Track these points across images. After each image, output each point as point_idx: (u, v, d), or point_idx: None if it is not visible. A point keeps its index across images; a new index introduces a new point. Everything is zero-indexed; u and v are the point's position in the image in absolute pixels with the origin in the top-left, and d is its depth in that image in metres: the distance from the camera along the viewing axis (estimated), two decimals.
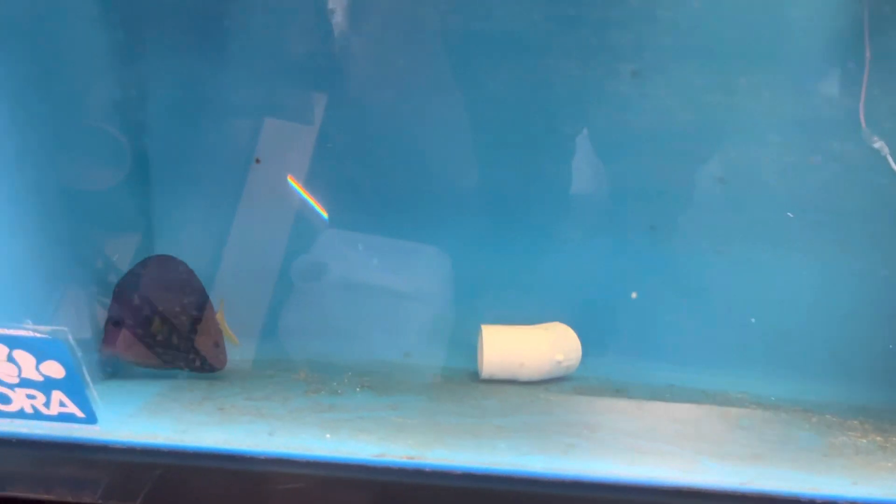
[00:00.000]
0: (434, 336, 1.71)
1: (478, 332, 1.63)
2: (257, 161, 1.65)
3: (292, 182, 1.66)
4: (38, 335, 0.96)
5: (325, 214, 1.68)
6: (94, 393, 1.03)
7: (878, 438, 1.37)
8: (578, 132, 1.63)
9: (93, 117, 1.54)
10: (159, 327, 1.47)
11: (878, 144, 1.52)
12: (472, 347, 1.69)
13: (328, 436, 1.21)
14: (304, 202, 1.66)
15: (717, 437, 1.34)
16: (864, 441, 1.36)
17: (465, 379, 1.62)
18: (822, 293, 1.65)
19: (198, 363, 1.50)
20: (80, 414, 1.04)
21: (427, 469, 1.14)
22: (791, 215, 1.61)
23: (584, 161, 1.64)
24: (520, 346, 1.58)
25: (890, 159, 1.50)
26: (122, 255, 1.57)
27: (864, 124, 1.51)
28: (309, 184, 1.67)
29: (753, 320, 1.65)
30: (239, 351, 1.63)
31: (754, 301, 1.66)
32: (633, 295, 1.66)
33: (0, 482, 1.02)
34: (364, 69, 1.65)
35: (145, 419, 1.22)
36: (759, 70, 1.52)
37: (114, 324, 1.46)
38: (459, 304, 1.74)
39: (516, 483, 1.14)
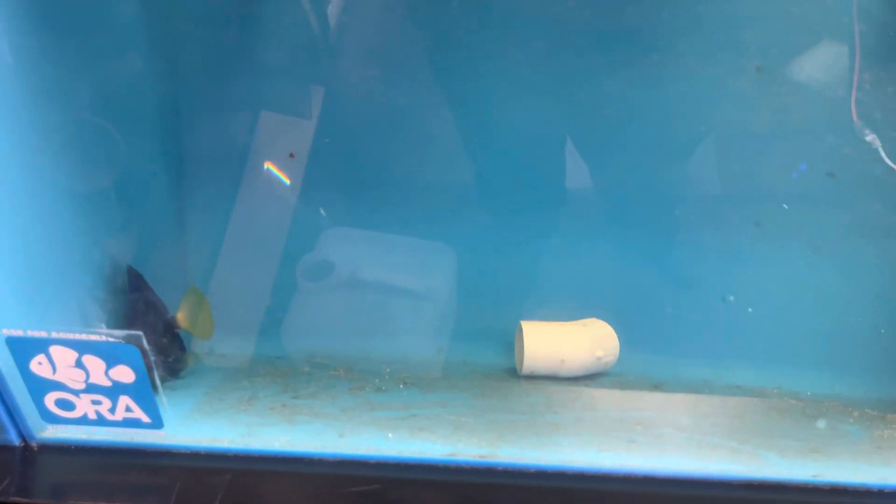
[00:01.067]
0: (466, 333, 1.69)
1: (516, 328, 1.62)
2: (292, 157, 1.60)
3: (271, 168, 1.61)
4: (112, 340, 0.90)
5: (286, 181, 1.64)
6: (164, 398, 0.98)
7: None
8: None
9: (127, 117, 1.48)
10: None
11: (871, 138, 1.54)
12: (503, 342, 1.68)
13: (390, 435, 1.18)
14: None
15: (769, 431, 1.34)
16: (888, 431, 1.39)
17: (503, 375, 1.60)
18: (839, 289, 1.66)
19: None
20: (146, 419, 0.98)
21: (499, 468, 1.13)
22: (786, 206, 1.64)
23: (603, 159, 1.64)
24: (560, 342, 1.56)
25: (882, 152, 1.52)
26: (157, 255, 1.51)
27: (856, 118, 1.53)
28: (330, 181, 1.65)
29: (731, 298, 1.67)
30: (268, 347, 1.59)
31: (783, 298, 1.67)
32: (731, 298, 1.67)
33: (62, 490, 0.97)
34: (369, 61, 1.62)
35: (202, 421, 1.17)
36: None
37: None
38: (490, 300, 1.71)
39: (588, 480, 1.13)
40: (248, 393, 1.35)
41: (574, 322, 1.63)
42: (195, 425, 1.15)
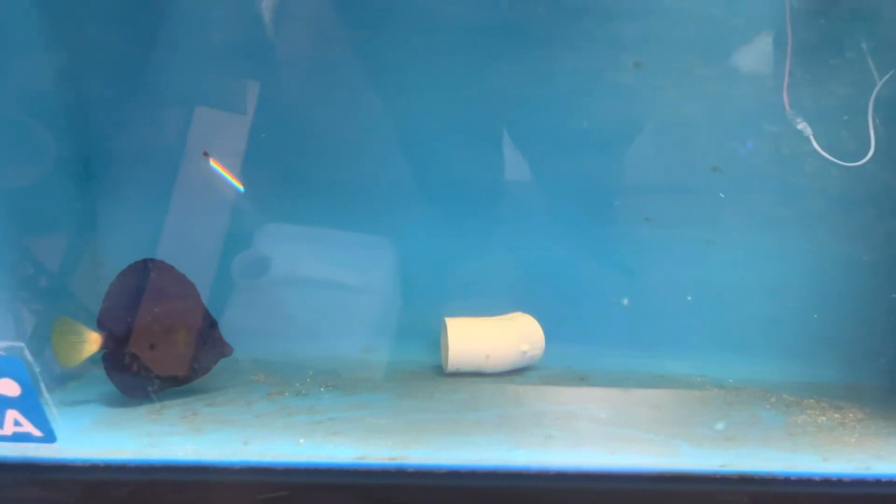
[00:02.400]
0: (392, 330, 1.67)
1: (441, 325, 1.61)
2: (205, 155, 1.56)
3: (213, 163, 1.58)
4: None
5: (240, 186, 1.60)
6: (53, 410, 0.95)
7: (836, 415, 1.42)
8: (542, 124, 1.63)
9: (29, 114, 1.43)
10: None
11: (802, 126, 1.57)
12: (432, 340, 1.67)
13: (302, 441, 1.16)
14: (239, 193, 1.60)
15: (687, 420, 1.36)
16: (824, 419, 1.41)
17: (429, 373, 1.59)
18: (771, 276, 1.70)
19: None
20: (37, 433, 0.95)
21: (410, 469, 1.11)
22: (722, 196, 1.66)
23: (544, 153, 1.64)
24: (485, 338, 1.56)
25: (813, 140, 1.55)
26: (62, 257, 1.46)
27: (787, 107, 1.56)
28: (258, 176, 1.61)
29: (690, 298, 1.69)
30: None
31: (707, 286, 1.69)
32: (625, 302, 1.68)
33: None
34: (306, 56, 1.60)
35: (105, 432, 1.14)
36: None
37: None
38: (416, 296, 1.70)
39: (501, 478, 1.12)
40: (161, 402, 1.32)
41: (499, 317, 1.63)
42: (97, 437, 1.12)
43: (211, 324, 1.44)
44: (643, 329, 1.71)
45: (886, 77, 1.52)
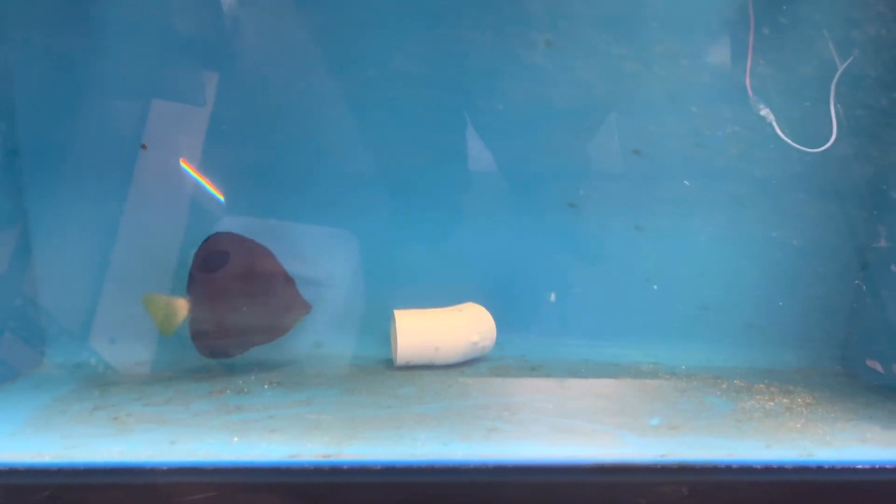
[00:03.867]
0: (345, 324, 1.64)
1: (390, 317, 1.59)
2: (144, 147, 1.53)
3: (185, 165, 1.54)
4: None
5: (220, 197, 1.58)
6: None
7: (785, 400, 1.42)
8: (490, 108, 1.59)
9: None
10: None
11: (764, 112, 1.55)
12: (383, 334, 1.64)
13: (236, 439, 1.14)
14: (196, 187, 1.55)
15: (635, 410, 1.34)
16: (772, 404, 1.40)
17: (380, 367, 1.57)
18: (724, 262, 1.67)
19: None
20: None
21: (345, 466, 1.09)
22: (687, 183, 1.64)
23: (493, 138, 1.61)
24: (434, 330, 1.54)
25: (776, 126, 1.54)
26: None
27: (750, 92, 1.55)
28: (202, 168, 1.57)
29: (655, 287, 1.68)
30: (134, 352, 1.53)
31: (661, 272, 1.67)
32: (552, 297, 1.66)
33: None
34: (258, 46, 1.55)
35: (30, 436, 1.11)
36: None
37: None
38: (369, 288, 1.66)
39: (439, 473, 1.10)
40: (95, 403, 1.28)
41: (449, 308, 1.61)
42: (20, 440, 1.08)
43: (286, 282, 1.52)
44: (598, 317, 1.69)
45: (847, 62, 1.51)
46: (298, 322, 1.54)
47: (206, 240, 1.50)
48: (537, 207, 1.60)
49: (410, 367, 1.56)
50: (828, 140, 1.51)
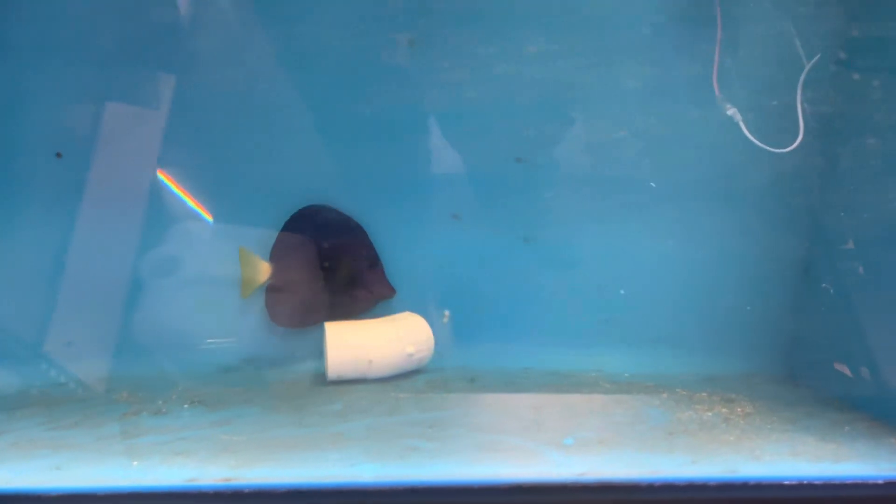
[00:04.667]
0: (281, 338, 1.60)
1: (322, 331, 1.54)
2: (58, 156, 1.47)
3: (164, 178, 1.50)
4: None
5: (209, 218, 1.54)
6: None
7: (724, 410, 1.37)
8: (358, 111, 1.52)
9: None
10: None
11: (732, 111, 1.51)
12: (320, 347, 1.58)
13: (135, 463, 1.09)
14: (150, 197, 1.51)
15: (565, 424, 1.29)
16: (710, 414, 1.35)
17: (312, 383, 1.52)
18: (672, 267, 1.63)
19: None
20: None
21: (246, 490, 1.04)
22: (653, 185, 1.59)
23: (365, 144, 1.53)
24: (367, 342, 1.48)
25: (743, 126, 1.49)
26: None
27: (717, 92, 1.50)
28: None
29: (622, 292, 1.63)
30: (50, 373, 1.48)
31: (607, 278, 1.62)
32: (446, 316, 1.60)
33: None
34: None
35: None
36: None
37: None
38: None
39: (345, 496, 1.05)
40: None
41: (384, 318, 1.56)
42: None
43: (371, 265, 1.53)
44: (543, 325, 1.65)
45: (813, 60, 1.46)
46: (375, 305, 1.56)
47: (300, 209, 1.52)
48: (419, 218, 1.55)
49: (343, 382, 1.51)
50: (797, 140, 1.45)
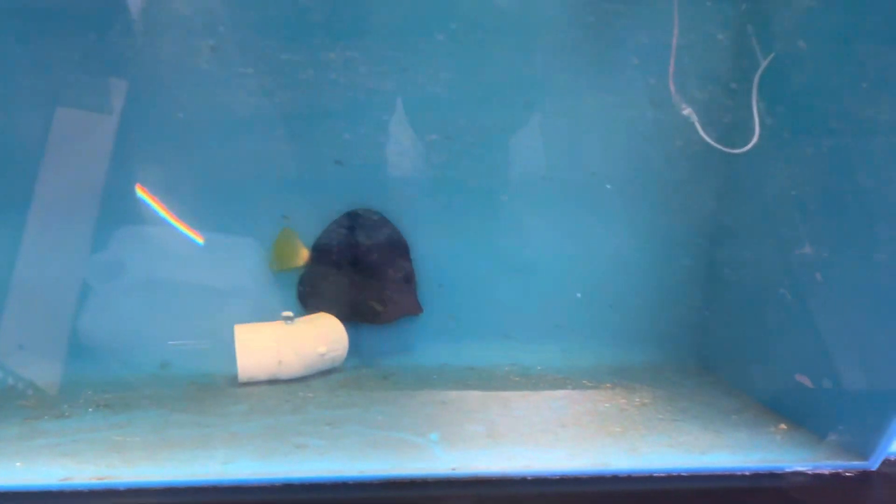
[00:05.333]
0: (198, 340, 1.61)
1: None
2: None
3: (143, 194, 1.52)
4: None
5: (199, 239, 1.55)
6: None
7: (622, 401, 1.38)
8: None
9: None
10: None
11: (687, 111, 1.50)
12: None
13: (19, 464, 1.11)
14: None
15: (467, 418, 1.31)
16: (608, 405, 1.37)
17: (225, 385, 1.52)
18: (584, 262, 1.65)
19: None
20: None
21: (121, 489, 1.06)
22: (609, 186, 1.61)
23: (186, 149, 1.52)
24: (277, 343, 1.50)
25: (698, 126, 1.48)
26: None
27: (673, 91, 1.50)
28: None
29: (579, 295, 1.64)
30: None
31: (521, 273, 1.64)
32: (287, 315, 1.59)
33: None
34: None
35: None
36: None
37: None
38: (225, 302, 1.62)
39: (220, 493, 1.06)
40: None
41: (296, 319, 1.56)
42: None
43: (405, 279, 1.56)
44: (460, 321, 1.66)
45: (768, 59, 1.45)
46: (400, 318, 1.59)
47: (350, 210, 1.56)
48: (250, 219, 1.55)
49: (256, 383, 1.52)
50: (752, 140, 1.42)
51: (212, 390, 1.51)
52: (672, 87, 1.49)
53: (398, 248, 1.56)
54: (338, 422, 1.31)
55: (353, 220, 1.57)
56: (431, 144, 1.51)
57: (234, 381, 1.55)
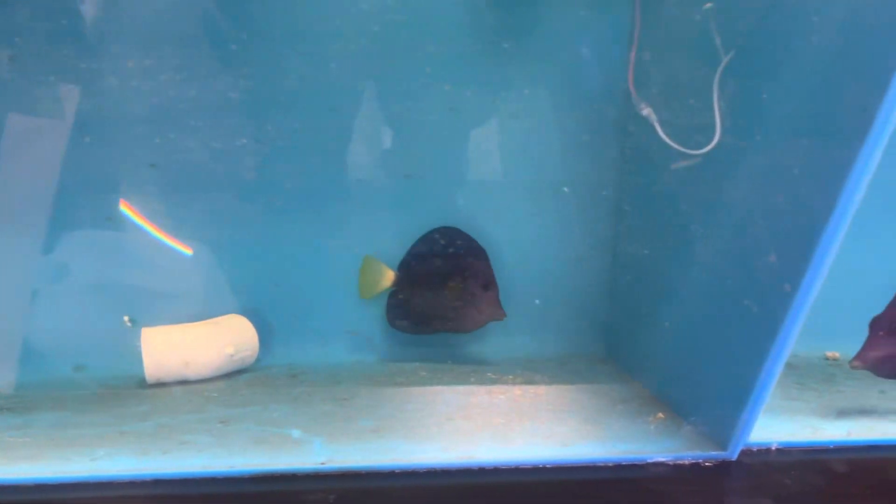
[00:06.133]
0: (107, 344, 1.60)
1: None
2: None
3: (127, 210, 1.55)
4: None
5: (187, 251, 1.58)
6: None
7: (518, 392, 1.40)
8: None
9: None
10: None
11: (647, 111, 1.49)
12: None
13: None
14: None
15: (358, 414, 1.32)
16: (503, 397, 1.38)
17: (135, 386, 1.53)
18: (499, 256, 1.66)
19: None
20: None
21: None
22: (566, 189, 1.64)
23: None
24: (183, 345, 1.51)
25: (657, 126, 1.47)
26: None
27: (633, 92, 1.49)
28: None
29: (537, 301, 1.67)
30: None
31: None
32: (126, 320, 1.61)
33: None
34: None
35: None
36: None
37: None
38: (144, 304, 1.64)
39: (90, 489, 1.07)
40: None
41: (206, 321, 1.58)
42: None
43: (486, 286, 1.60)
44: (372, 319, 1.68)
45: (728, 57, 1.42)
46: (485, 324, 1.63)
47: (433, 229, 1.64)
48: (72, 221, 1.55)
49: (164, 385, 1.53)
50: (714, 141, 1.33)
51: (120, 392, 1.52)
52: (632, 87, 1.48)
53: (477, 257, 1.62)
54: (232, 420, 1.32)
55: (434, 237, 1.64)
56: (244, 148, 1.52)
57: (144, 384, 1.57)
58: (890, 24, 0.92)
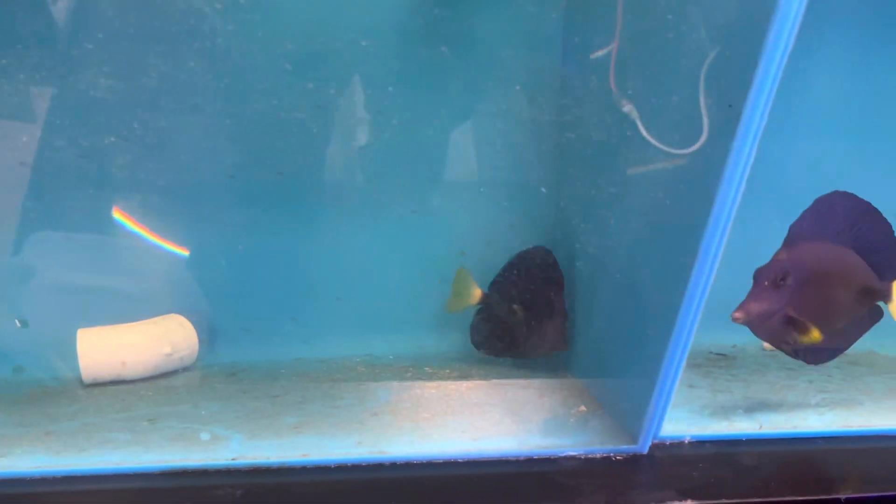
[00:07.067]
0: (53, 344, 1.60)
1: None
2: None
3: (120, 217, 1.56)
4: None
5: (184, 252, 1.59)
6: None
7: (452, 387, 1.40)
8: None
9: None
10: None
11: (628, 108, 1.47)
12: None
13: None
14: None
15: (284, 411, 1.31)
16: (434, 391, 1.37)
17: (72, 387, 1.52)
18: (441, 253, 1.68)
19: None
20: None
21: None
22: (544, 190, 1.67)
23: None
24: (120, 345, 1.50)
25: (639, 123, 1.45)
26: None
27: (614, 88, 1.47)
28: None
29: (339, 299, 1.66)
30: None
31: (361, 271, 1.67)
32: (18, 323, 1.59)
33: None
34: None
35: None
36: None
37: None
38: (86, 304, 1.63)
39: (8, 485, 1.08)
40: None
41: (145, 321, 1.57)
42: None
43: (554, 314, 1.56)
44: (315, 314, 1.67)
45: (714, 52, 1.39)
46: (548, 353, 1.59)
47: (524, 250, 1.64)
48: None
49: (101, 384, 1.52)
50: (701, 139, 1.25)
51: (56, 393, 1.51)
52: (613, 84, 1.47)
53: (553, 286, 1.58)
54: (159, 418, 1.31)
55: (524, 260, 1.63)
56: (113, 146, 1.51)
57: (82, 384, 1.56)
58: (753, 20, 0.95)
